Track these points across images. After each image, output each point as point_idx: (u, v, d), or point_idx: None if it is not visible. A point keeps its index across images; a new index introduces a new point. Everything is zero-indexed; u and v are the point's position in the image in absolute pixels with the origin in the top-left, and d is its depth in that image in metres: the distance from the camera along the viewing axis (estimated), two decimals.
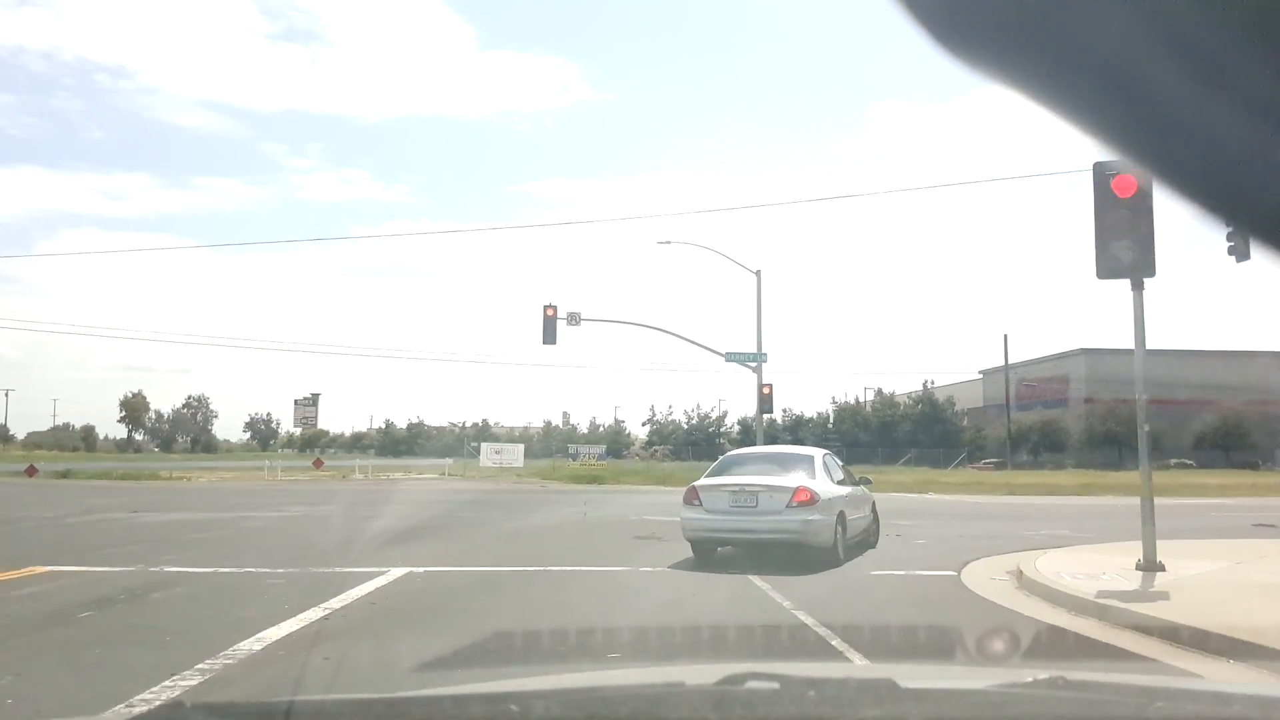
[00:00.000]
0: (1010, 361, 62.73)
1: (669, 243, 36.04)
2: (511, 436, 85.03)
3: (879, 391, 68.83)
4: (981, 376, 74.97)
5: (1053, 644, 6.89)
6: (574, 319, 34.72)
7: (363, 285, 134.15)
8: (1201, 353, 62.82)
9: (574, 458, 41.48)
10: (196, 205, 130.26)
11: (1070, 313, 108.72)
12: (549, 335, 34.51)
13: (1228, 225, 0.73)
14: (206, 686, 5.23)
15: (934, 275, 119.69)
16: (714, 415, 76.62)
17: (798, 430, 70.28)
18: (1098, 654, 6.45)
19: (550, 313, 34.45)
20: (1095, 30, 0.63)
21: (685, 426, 76.01)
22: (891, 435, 62.10)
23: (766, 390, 35.51)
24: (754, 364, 35.54)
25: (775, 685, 1.75)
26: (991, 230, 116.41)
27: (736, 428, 74.65)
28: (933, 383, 67.20)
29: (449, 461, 42.10)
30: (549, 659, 6.20)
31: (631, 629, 7.06)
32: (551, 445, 71.16)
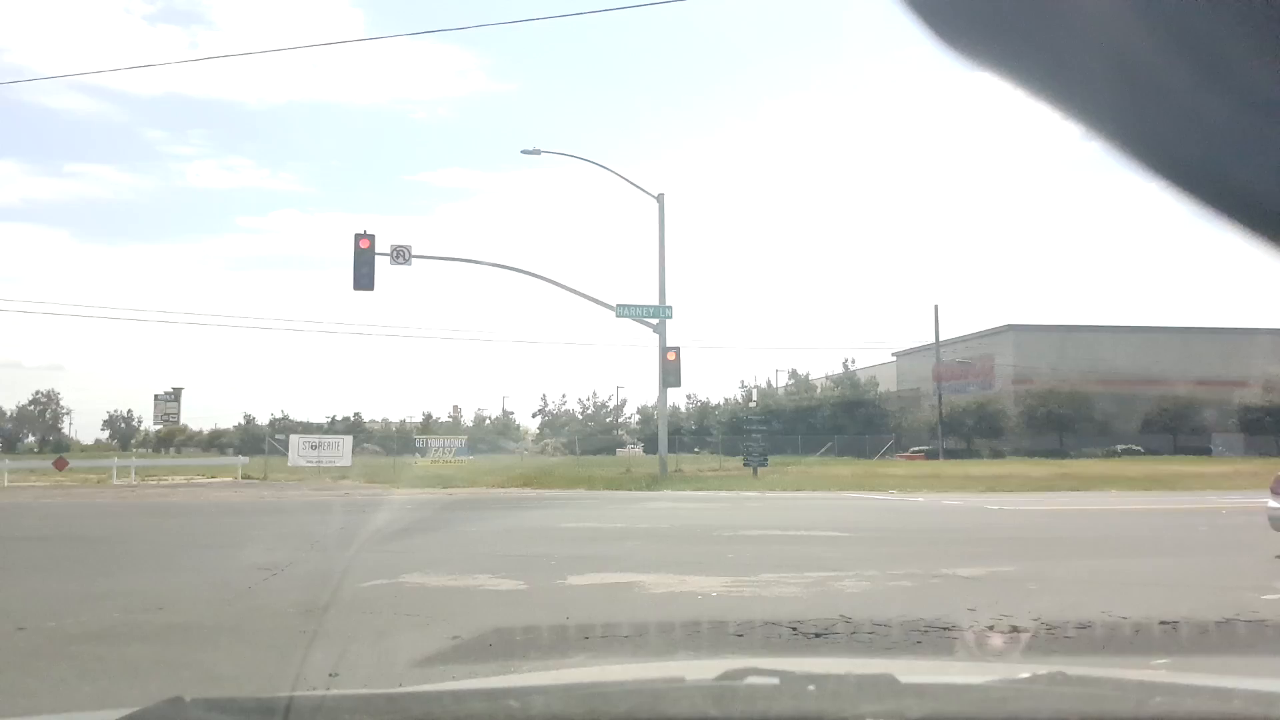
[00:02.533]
0: (931, 340, 54.15)
1: (538, 152, 25.47)
2: (388, 432, 72.96)
3: (793, 373, 59.72)
4: (895, 359, 66.99)
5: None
6: (401, 255, 23.74)
7: (247, 278, 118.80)
8: (1147, 329, 55.77)
9: (422, 453, 30.41)
10: (69, 193, 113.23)
11: (993, 289, 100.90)
12: (363, 277, 23.47)
13: (1225, 219, 0.65)
14: None
15: (844, 252, 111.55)
16: (612, 404, 66.35)
17: (704, 419, 60.69)
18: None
19: (364, 244, 23.43)
20: (1096, 24, 0.63)
21: (580, 416, 65.50)
22: (809, 421, 52.95)
23: (672, 356, 25.26)
24: (654, 320, 25.23)
25: (775, 680, 1.61)
26: (902, 204, 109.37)
27: (636, 416, 64.62)
28: (853, 362, 58.41)
29: (244, 460, 30.56)
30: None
31: None
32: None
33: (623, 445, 63.77)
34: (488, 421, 72.25)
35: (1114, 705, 1.53)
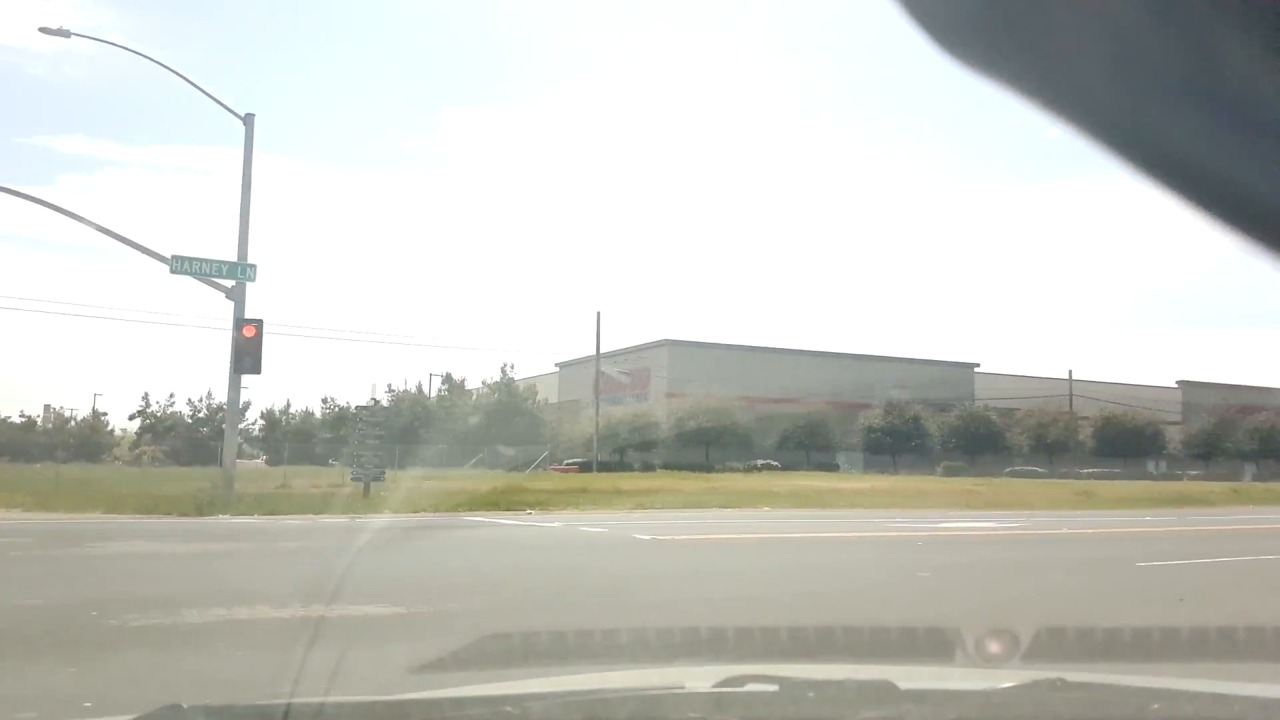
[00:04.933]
0: (590, 352, 51.49)
1: (66, 34, 17.67)
2: None
3: (448, 378, 54.00)
4: (558, 370, 64.07)
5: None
6: None
7: None
8: (791, 352, 57.71)
9: None
10: None
11: (662, 304, 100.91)
12: None
13: (1230, 227, 0.62)
14: None
15: (515, 259, 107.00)
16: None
17: (342, 426, 52.87)
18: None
19: None
20: (1094, 22, 0.60)
21: (190, 420, 54.38)
22: (462, 431, 47.61)
23: (250, 331, 18.51)
24: (229, 281, 18.39)
25: (774, 687, 1.59)
26: (578, 215, 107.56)
27: (260, 422, 54.93)
28: (513, 368, 53.97)
29: None
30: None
31: None
32: None
33: (248, 456, 53.89)
34: (72, 423, 58.08)
35: (1114, 711, 1.53)
